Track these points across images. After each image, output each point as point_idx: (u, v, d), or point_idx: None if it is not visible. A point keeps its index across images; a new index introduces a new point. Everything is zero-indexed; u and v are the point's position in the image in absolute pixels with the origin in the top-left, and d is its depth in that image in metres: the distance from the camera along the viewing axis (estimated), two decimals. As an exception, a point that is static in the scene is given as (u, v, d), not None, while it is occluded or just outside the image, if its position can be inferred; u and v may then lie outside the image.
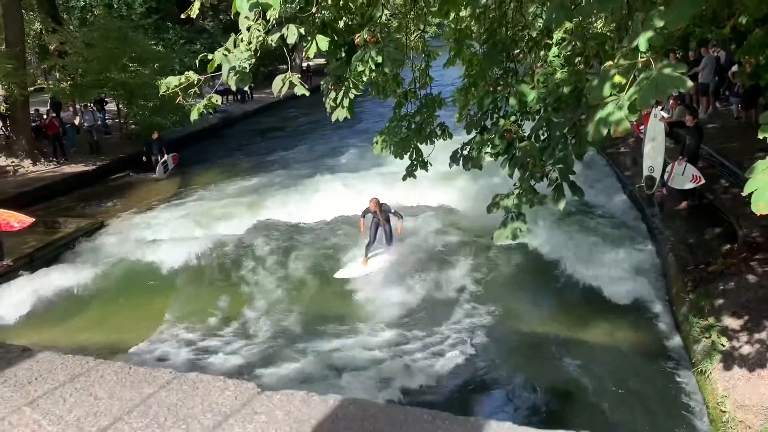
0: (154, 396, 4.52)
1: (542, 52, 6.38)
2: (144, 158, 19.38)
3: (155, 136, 19.34)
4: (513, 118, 5.30)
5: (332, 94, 4.80)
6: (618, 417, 7.23)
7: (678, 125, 12.27)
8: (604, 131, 2.86)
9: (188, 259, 12.08)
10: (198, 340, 9.61)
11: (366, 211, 11.32)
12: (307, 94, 4.19)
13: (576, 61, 5.94)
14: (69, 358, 5.23)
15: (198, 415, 4.24)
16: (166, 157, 19.36)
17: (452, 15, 6.95)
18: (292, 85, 4.18)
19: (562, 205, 4.41)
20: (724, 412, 6.47)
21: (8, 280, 11.44)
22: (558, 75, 5.52)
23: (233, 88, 4.29)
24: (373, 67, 4.50)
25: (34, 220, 12.07)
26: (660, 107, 12.40)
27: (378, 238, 11.53)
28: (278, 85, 4.18)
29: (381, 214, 11.22)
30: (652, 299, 9.68)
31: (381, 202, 11.19)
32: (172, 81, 4.24)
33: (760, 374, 6.64)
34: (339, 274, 11.30)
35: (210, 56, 4.14)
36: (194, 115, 4.33)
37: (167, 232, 13.94)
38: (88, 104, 22.70)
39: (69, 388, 4.72)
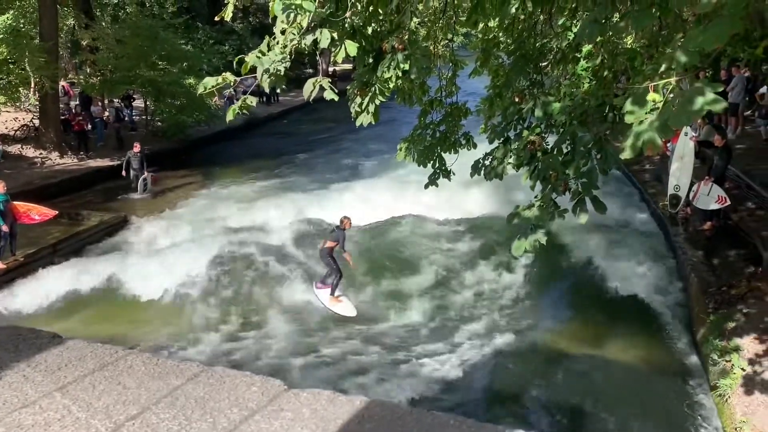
0: (182, 388, 4.57)
1: (570, 65, 6.34)
2: (123, 172, 17.34)
3: (137, 149, 17.25)
4: (537, 130, 5.27)
5: (358, 99, 4.82)
6: (632, 437, 7.14)
7: (706, 145, 12.12)
8: (637, 149, 2.83)
9: (209, 257, 12.17)
10: (220, 337, 9.72)
11: (339, 233, 10.20)
12: (337, 98, 4.21)
13: (604, 75, 5.90)
14: (98, 346, 5.31)
15: (225, 410, 4.27)
16: (146, 173, 17.39)
17: (481, 25, 6.95)
18: (321, 89, 4.20)
19: (584, 219, 4.36)
20: (741, 437, 6.35)
21: (32, 270, 11.61)
22: (585, 87, 5.48)
23: (266, 90, 4.32)
24: (400, 73, 4.51)
25: (56, 212, 12.25)
26: (689, 126, 12.26)
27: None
28: (309, 89, 4.20)
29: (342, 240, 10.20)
30: (672, 319, 9.57)
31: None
32: (209, 81, 4.27)
33: (780, 401, 6.51)
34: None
35: (246, 58, 4.17)
36: (230, 116, 4.36)
37: (189, 230, 14.06)
38: (113, 100, 23.00)
39: (98, 375, 4.78)
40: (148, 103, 23.64)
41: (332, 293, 10.38)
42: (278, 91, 30.49)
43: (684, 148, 11.96)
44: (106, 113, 22.51)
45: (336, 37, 4.09)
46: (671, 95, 2.75)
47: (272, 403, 4.35)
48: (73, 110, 21.43)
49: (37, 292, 10.93)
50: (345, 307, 10.34)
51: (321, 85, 4.16)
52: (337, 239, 10.16)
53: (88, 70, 24.70)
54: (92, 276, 11.43)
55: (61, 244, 12.67)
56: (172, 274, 11.55)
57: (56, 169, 18.48)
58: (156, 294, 11.09)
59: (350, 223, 10.46)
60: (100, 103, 23.44)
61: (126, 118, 23.95)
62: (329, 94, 4.16)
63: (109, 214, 14.91)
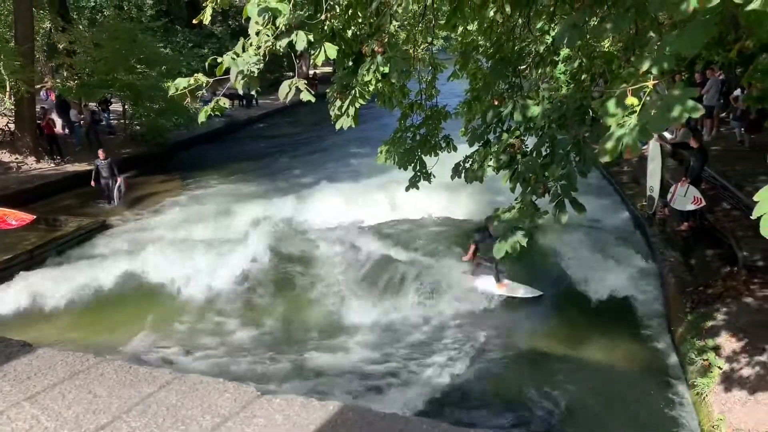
0: (154, 396, 4.51)
1: (548, 68, 6.40)
2: (92, 182, 16.36)
3: (102, 156, 16.21)
4: (517, 133, 5.31)
5: (338, 103, 4.82)
6: (612, 436, 7.21)
7: (682, 146, 12.31)
8: (616, 152, 2.86)
9: (186, 262, 12.08)
10: (196, 343, 9.61)
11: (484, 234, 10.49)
12: (314, 100, 4.20)
13: (582, 78, 5.96)
14: (69, 354, 5.23)
15: (197, 417, 4.23)
16: (119, 180, 16.46)
17: (460, 28, 6.99)
18: (298, 91, 4.19)
19: (564, 219, 4.41)
20: (719, 435, 6.44)
21: (8, 277, 11.43)
22: (563, 91, 5.54)
23: (240, 92, 4.29)
24: (380, 77, 4.52)
25: (33, 217, 12.09)
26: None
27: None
28: (284, 91, 4.19)
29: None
30: (650, 319, 9.67)
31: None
32: (181, 82, 4.24)
33: (757, 399, 6.61)
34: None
35: (219, 59, 4.15)
36: (202, 118, 4.34)
37: (167, 235, 13.94)
38: (89, 103, 22.73)
39: (68, 384, 4.71)
40: (126, 107, 23.42)
41: (498, 280, 10.63)
42: (253, 93, 30.31)
43: (653, 151, 12.14)
44: (82, 116, 22.21)
45: (314, 40, 4.09)
46: (648, 99, 2.78)
47: (245, 409, 4.32)
48: (46, 114, 21.04)
49: (12, 299, 10.76)
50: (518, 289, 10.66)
51: (297, 87, 4.15)
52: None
53: (65, 74, 24.40)
54: (68, 282, 11.27)
55: (38, 249, 12.48)
56: (149, 280, 11.45)
57: (32, 174, 18.23)
58: (132, 300, 10.98)
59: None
60: (78, 107, 23.13)
61: (103, 122, 23.68)
62: (306, 96, 4.16)
63: (87, 219, 14.74)
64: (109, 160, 16.37)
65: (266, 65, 4.25)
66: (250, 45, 4.13)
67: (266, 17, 3.92)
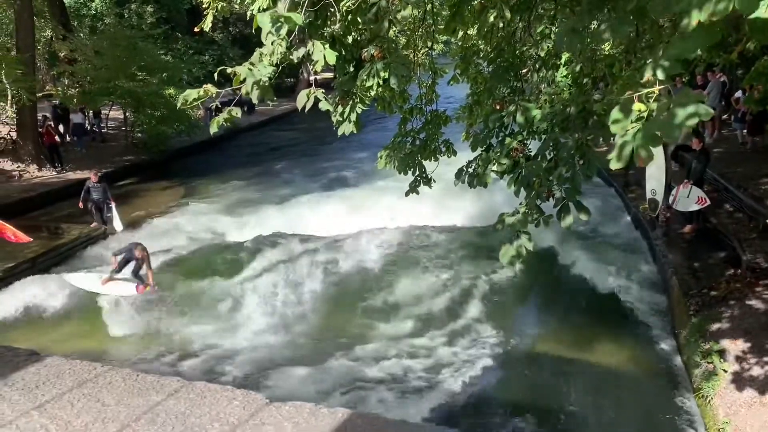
0: (162, 404, 4.50)
1: (549, 72, 6.39)
2: (81, 204, 14.64)
3: (95, 178, 14.61)
4: (519, 137, 5.29)
5: (339, 108, 4.81)
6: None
7: (684, 149, 12.25)
8: (627, 159, 2.83)
9: (188, 269, 12.07)
10: (204, 350, 9.58)
11: (127, 252, 10.98)
12: (332, 109, 4.20)
13: (584, 81, 5.95)
14: (77, 363, 5.23)
15: (206, 425, 4.22)
16: (113, 204, 14.81)
17: (460, 33, 6.98)
18: (316, 100, 4.19)
19: (568, 222, 4.38)
20: (725, 438, 6.40)
21: (10, 285, 11.41)
22: (564, 95, 5.52)
23: (255, 101, 4.25)
24: (381, 82, 4.51)
25: (30, 240, 11.94)
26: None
27: (125, 273, 11.05)
28: (303, 100, 4.18)
29: (144, 262, 10.90)
30: (655, 322, 9.63)
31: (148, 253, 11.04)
32: (191, 94, 4.21)
33: (762, 401, 6.58)
34: (68, 277, 11.26)
35: (230, 69, 4.13)
36: (214, 128, 4.30)
37: (168, 242, 13.92)
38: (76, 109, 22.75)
39: (77, 393, 4.71)
40: (127, 114, 23.44)
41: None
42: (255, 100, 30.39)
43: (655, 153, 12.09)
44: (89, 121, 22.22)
45: (324, 49, 4.08)
46: (655, 104, 2.75)
47: (253, 417, 4.31)
48: (46, 122, 21.00)
49: (16, 308, 10.73)
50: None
51: (316, 96, 4.15)
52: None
53: (66, 82, 24.45)
54: (71, 290, 11.25)
55: (41, 257, 12.48)
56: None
57: (35, 182, 18.27)
58: (136, 307, 10.94)
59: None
60: (79, 112, 23.11)
61: (92, 128, 23.68)
62: (324, 105, 4.16)
63: (89, 226, 14.72)
64: (103, 184, 14.85)
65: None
66: (265, 55, 4.11)
67: (279, 29, 3.91)
